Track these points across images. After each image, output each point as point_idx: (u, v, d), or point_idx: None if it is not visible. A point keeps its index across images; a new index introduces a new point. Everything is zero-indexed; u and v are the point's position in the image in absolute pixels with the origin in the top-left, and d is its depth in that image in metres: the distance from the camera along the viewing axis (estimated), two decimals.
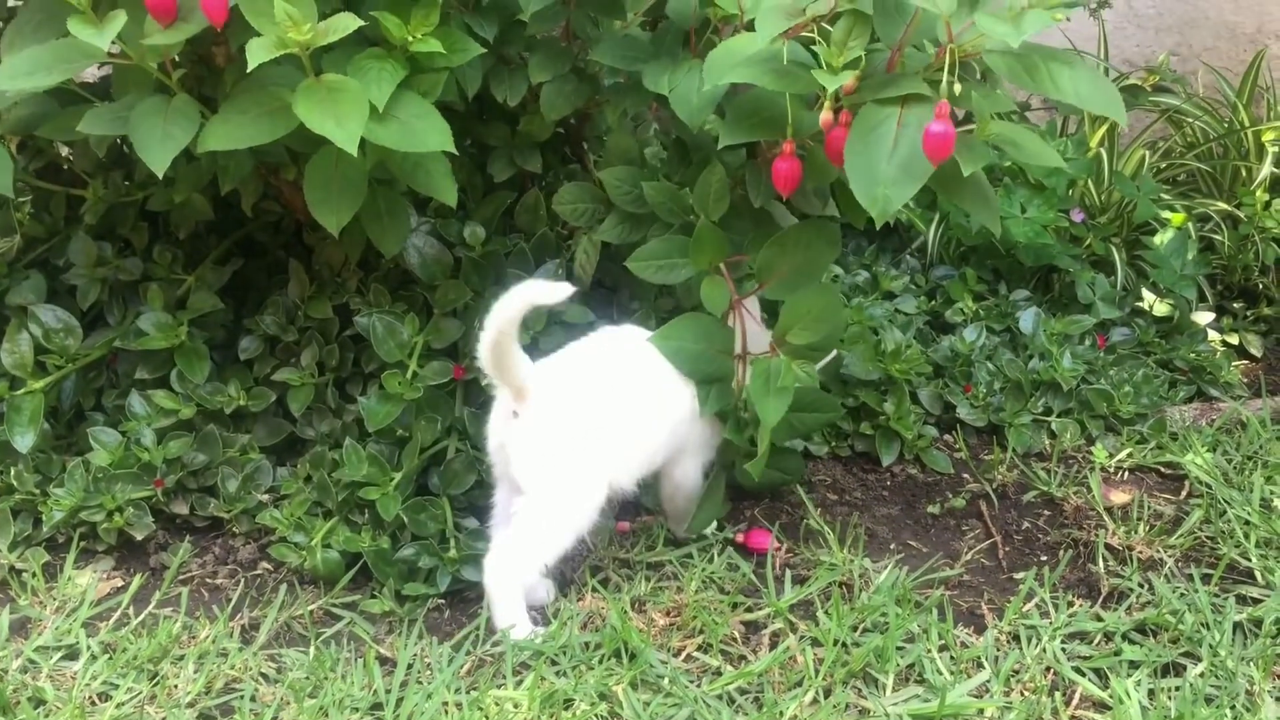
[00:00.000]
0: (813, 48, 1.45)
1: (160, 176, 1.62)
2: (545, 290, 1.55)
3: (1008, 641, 1.60)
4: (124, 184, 2.07)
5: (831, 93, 1.45)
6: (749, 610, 1.65)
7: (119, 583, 1.78)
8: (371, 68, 1.65)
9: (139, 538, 1.83)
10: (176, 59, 1.69)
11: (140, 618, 1.68)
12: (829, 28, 1.44)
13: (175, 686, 1.52)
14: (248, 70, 1.52)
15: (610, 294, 2.07)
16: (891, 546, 1.84)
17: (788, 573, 1.72)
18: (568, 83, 1.91)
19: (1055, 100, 1.42)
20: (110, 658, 1.57)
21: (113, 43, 1.55)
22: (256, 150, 1.78)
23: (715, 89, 1.62)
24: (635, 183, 1.83)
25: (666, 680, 1.51)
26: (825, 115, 1.48)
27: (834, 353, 1.80)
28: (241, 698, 1.50)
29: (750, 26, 1.48)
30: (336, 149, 1.55)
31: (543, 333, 1.93)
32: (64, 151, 2.14)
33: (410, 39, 1.66)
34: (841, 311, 1.78)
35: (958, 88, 1.38)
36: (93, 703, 1.50)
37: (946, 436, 2.13)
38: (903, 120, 1.40)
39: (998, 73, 1.42)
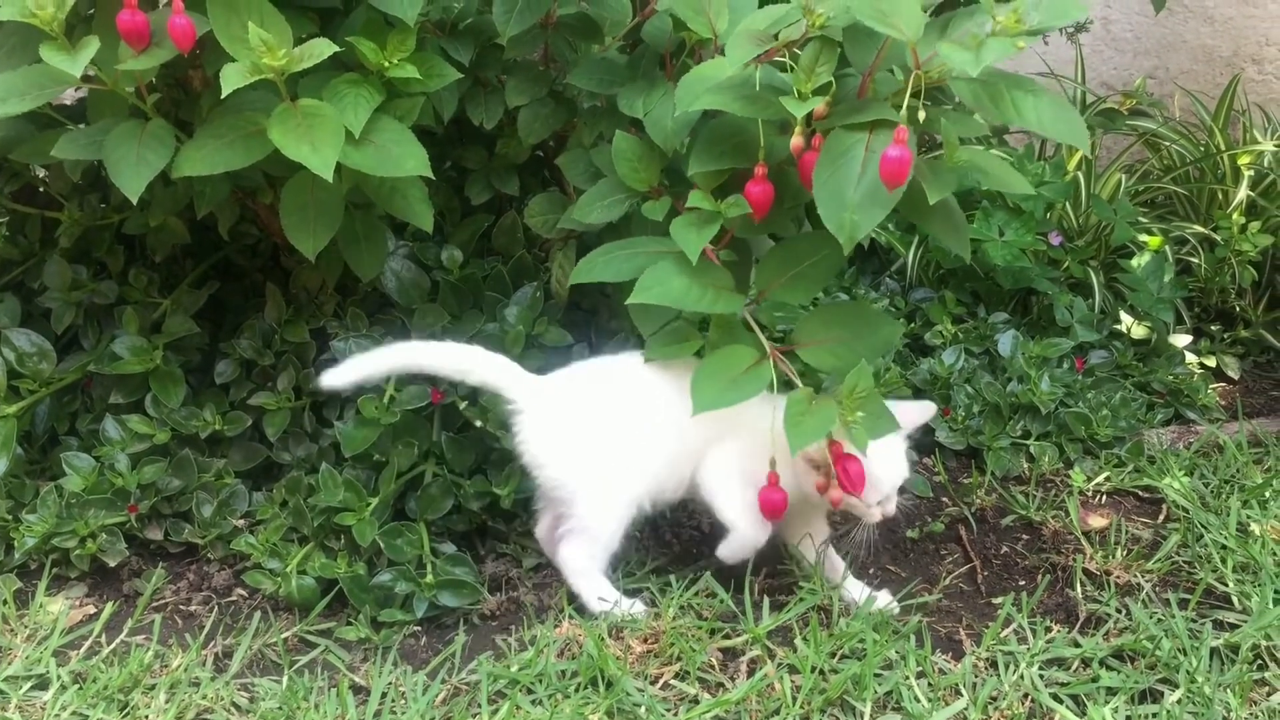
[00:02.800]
0: (784, 74, 1.45)
1: (135, 201, 1.62)
2: None
3: (986, 668, 1.59)
4: (100, 207, 2.06)
5: (801, 118, 1.46)
6: (727, 637, 1.64)
7: (91, 610, 1.76)
8: (347, 93, 1.64)
9: (112, 564, 1.81)
10: (152, 83, 1.69)
11: (112, 646, 1.66)
12: (800, 53, 1.45)
13: (146, 717, 1.51)
14: (222, 96, 1.51)
15: (589, 316, 2.07)
16: (870, 571, 1.84)
17: (765, 599, 1.71)
18: (545, 106, 1.91)
19: (1019, 126, 1.43)
20: (80, 687, 1.55)
21: (87, 68, 1.54)
22: (233, 174, 1.77)
23: (690, 116, 1.62)
24: (590, 162, 1.83)
25: (643, 709, 1.49)
26: (796, 140, 1.48)
27: None
28: None
29: (724, 51, 1.49)
30: (313, 173, 1.55)
31: (521, 356, 1.93)
32: (40, 174, 2.13)
33: (386, 64, 1.66)
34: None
35: (922, 114, 1.38)
36: None
37: (925, 460, 2.13)
38: (870, 146, 1.41)
39: (963, 99, 1.42)
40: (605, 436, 1.70)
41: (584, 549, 1.70)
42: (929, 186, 1.41)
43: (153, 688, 1.56)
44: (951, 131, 1.44)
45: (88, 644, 1.67)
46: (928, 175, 1.42)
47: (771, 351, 1.63)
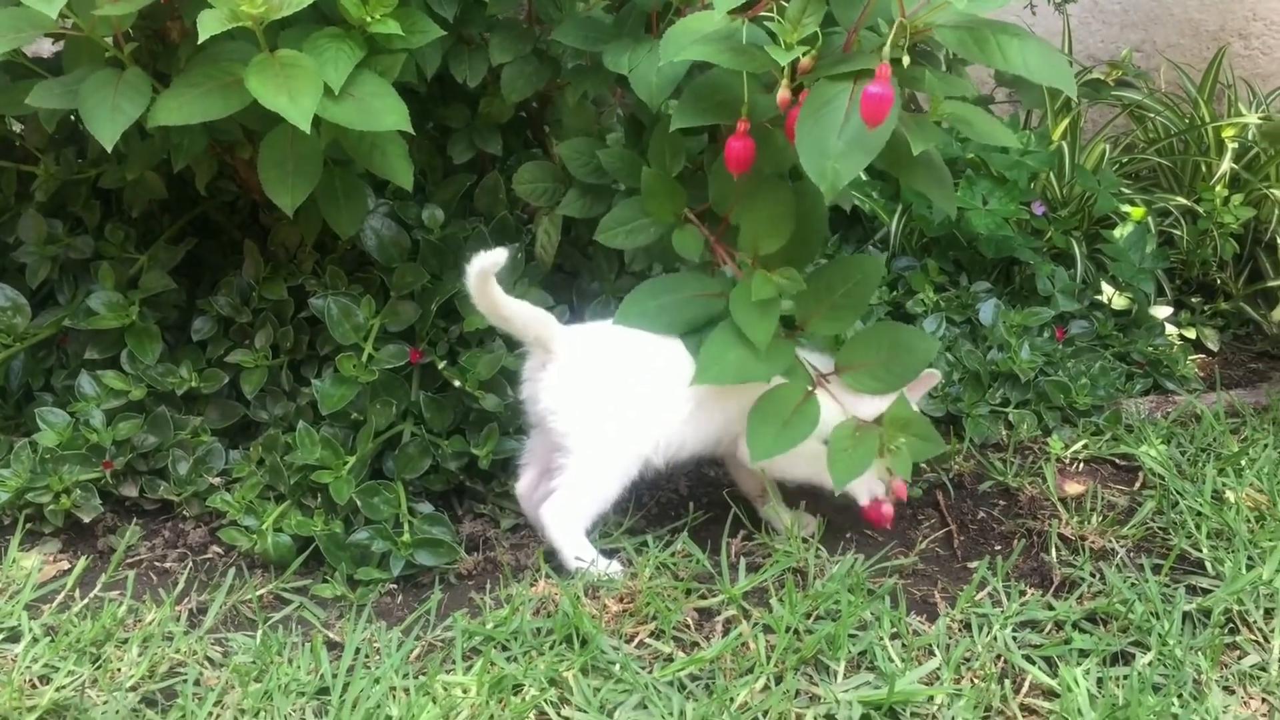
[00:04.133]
0: (769, 25, 1.44)
1: (109, 151, 1.60)
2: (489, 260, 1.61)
3: (959, 629, 1.60)
4: (76, 161, 2.04)
5: (787, 70, 1.45)
6: (703, 597, 1.64)
7: (65, 565, 1.76)
8: (328, 47, 1.62)
9: (86, 520, 1.80)
10: (130, 32, 1.67)
11: (85, 601, 1.65)
12: (786, 4, 1.44)
13: (118, 670, 1.50)
14: (199, 41, 1.49)
15: (570, 278, 2.06)
16: (848, 535, 1.84)
17: (743, 560, 1.71)
18: (529, 64, 1.90)
19: (1005, 71, 1.43)
20: (52, 640, 1.54)
21: (63, 14, 1.52)
22: (210, 127, 1.75)
23: (675, 69, 1.61)
24: (593, 154, 1.82)
25: (617, 666, 1.49)
26: (783, 93, 1.48)
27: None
28: (185, 681, 1.48)
29: (710, 8, 1.47)
30: (291, 127, 1.53)
31: None
32: (15, 128, 2.10)
33: (368, 19, 1.64)
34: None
35: (906, 59, 1.38)
36: (33, 685, 1.47)
37: None
38: (854, 95, 1.40)
39: (949, 46, 1.42)
40: (622, 396, 1.71)
41: (570, 506, 1.69)
42: (912, 137, 1.41)
43: (125, 641, 1.55)
44: (936, 85, 1.44)
45: (60, 598, 1.66)
46: (912, 127, 1.42)
47: (817, 380, 1.71)
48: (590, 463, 1.69)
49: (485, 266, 1.60)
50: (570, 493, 1.70)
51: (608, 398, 1.70)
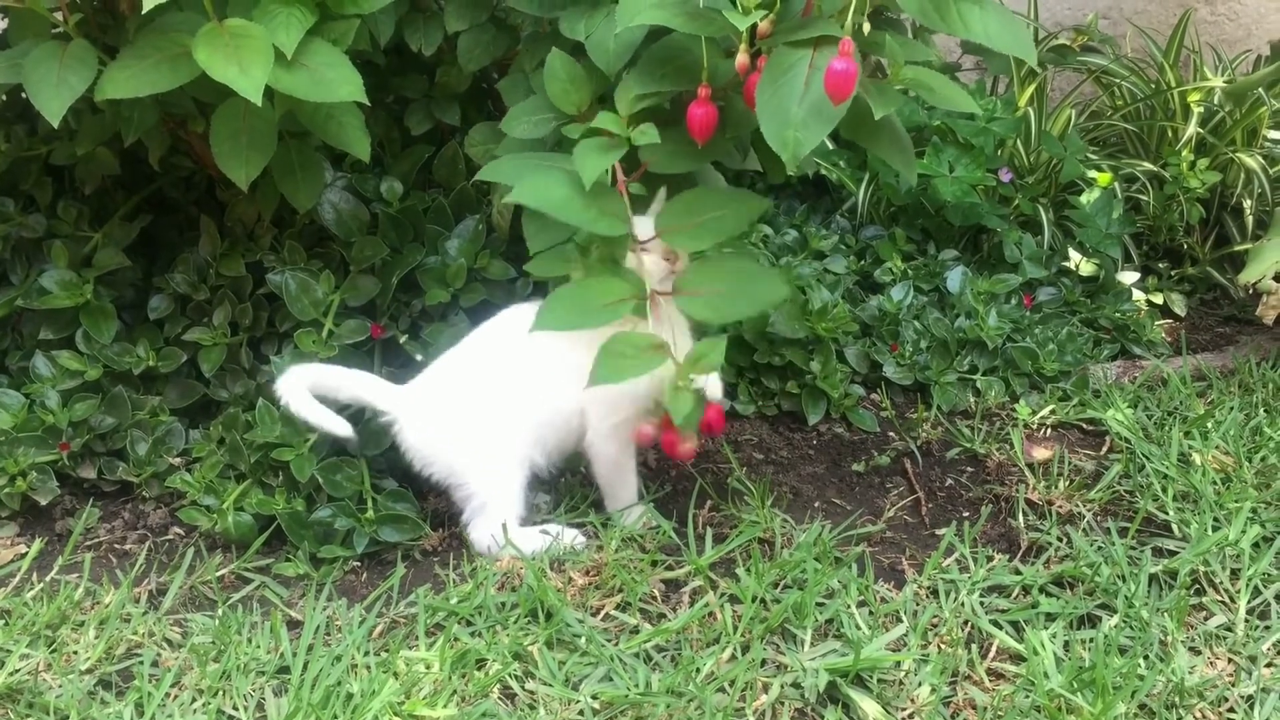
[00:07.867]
0: None
1: (55, 125, 1.57)
2: None
3: (926, 596, 1.59)
4: (27, 138, 2.00)
5: (745, 35, 1.43)
6: (669, 569, 1.63)
7: (23, 549, 1.72)
8: (278, 13, 1.60)
9: (43, 503, 1.77)
10: (75, 2, 1.63)
11: (41, 584, 1.63)
12: None
13: (74, 653, 1.47)
14: (143, 12, 1.46)
15: None
16: (815, 504, 1.83)
17: (709, 531, 1.70)
18: (485, 32, 1.87)
19: (966, 39, 1.41)
20: (5, 624, 1.52)
21: None
22: (162, 101, 1.72)
23: (632, 35, 1.58)
24: (529, 88, 1.79)
25: (583, 639, 1.48)
26: (741, 58, 1.46)
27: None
28: (142, 663, 1.46)
29: None
30: (244, 99, 1.50)
31: (463, 290, 1.90)
32: None
33: None
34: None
35: (866, 27, 1.36)
36: None
37: (873, 395, 2.12)
38: (814, 63, 1.38)
39: (908, 13, 1.40)
40: (475, 413, 1.68)
41: (495, 520, 1.67)
42: (874, 103, 1.39)
43: (81, 624, 1.52)
44: (896, 50, 1.42)
45: (15, 581, 1.63)
46: (872, 92, 1.40)
47: (651, 294, 1.57)
48: (485, 484, 1.69)
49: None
50: (488, 513, 1.68)
51: (464, 432, 1.68)
